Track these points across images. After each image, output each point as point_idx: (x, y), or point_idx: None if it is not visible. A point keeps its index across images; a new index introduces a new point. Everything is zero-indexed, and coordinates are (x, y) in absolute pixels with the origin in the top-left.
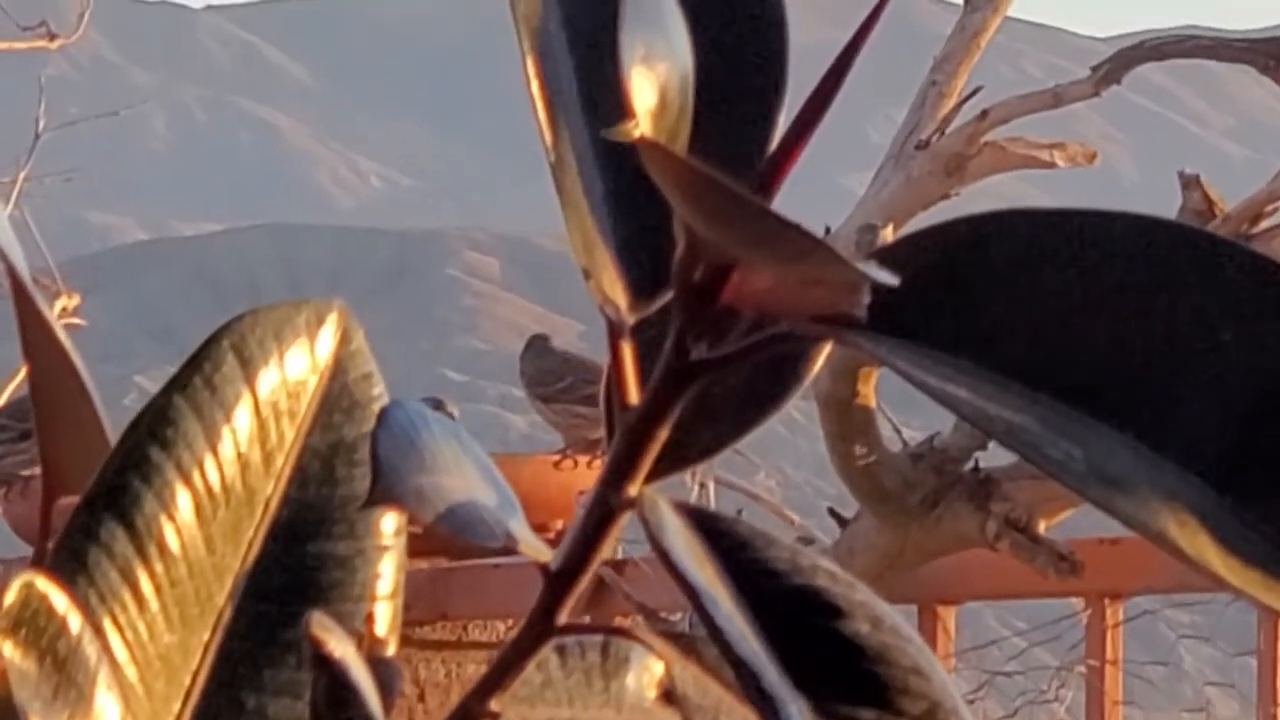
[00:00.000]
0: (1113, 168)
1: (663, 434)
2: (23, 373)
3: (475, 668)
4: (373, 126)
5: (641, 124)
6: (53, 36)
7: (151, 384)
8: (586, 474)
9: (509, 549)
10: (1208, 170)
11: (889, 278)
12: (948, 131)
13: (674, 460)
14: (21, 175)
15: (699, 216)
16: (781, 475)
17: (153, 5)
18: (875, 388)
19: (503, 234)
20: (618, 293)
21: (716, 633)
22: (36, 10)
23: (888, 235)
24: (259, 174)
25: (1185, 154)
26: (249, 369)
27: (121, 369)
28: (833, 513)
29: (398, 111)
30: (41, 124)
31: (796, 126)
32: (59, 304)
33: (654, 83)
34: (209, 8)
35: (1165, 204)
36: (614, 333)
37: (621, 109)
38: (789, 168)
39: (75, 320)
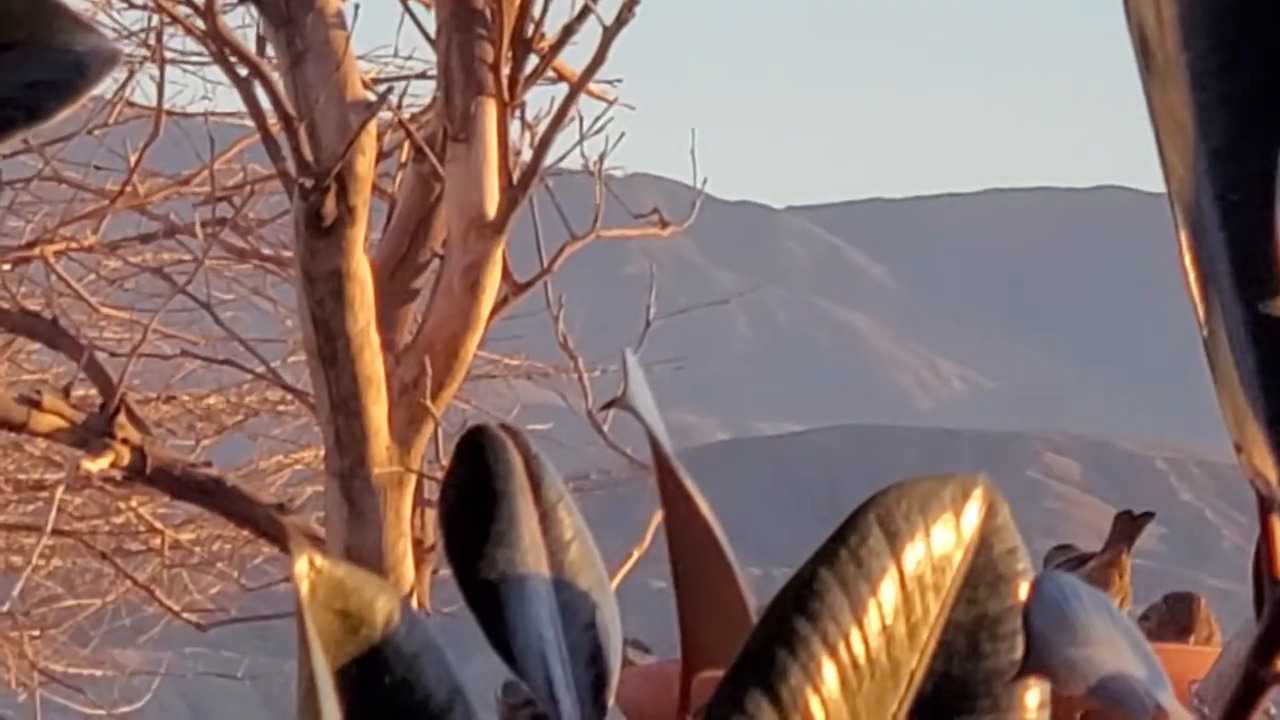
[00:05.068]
0: None
1: None
2: (629, 562)
3: None
4: (954, 329)
5: None
6: (665, 224)
7: None
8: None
9: None
10: None
11: None
12: None
13: None
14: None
15: None
16: None
17: (735, 205)
18: None
19: (1082, 436)
20: (1268, 467)
21: None
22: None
23: None
24: (839, 374)
25: None
26: (895, 542)
27: None
28: None
29: (978, 314)
30: (653, 312)
31: None
32: None
33: None
34: (790, 209)
35: None
36: (1263, 507)
37: (1276, 284)
38: None
39: None
